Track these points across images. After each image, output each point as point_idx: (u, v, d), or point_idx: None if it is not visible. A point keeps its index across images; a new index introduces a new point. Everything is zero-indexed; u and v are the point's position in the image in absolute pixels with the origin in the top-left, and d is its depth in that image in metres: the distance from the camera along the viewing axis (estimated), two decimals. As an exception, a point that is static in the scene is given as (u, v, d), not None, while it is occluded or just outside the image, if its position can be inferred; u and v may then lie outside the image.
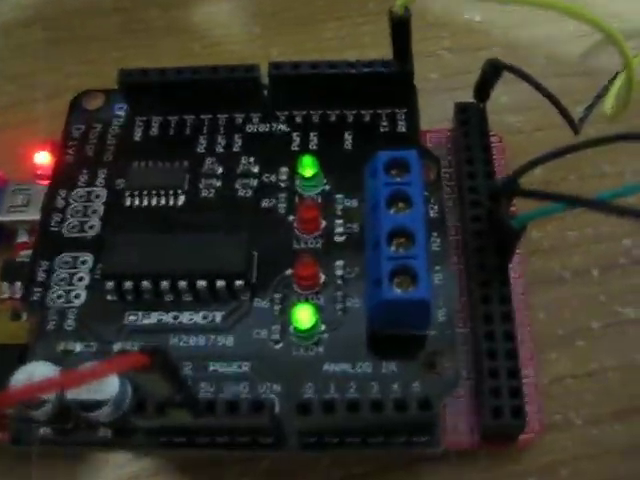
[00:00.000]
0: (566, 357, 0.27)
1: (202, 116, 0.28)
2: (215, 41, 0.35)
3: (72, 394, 0.21)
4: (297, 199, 0.26)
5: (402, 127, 0.27)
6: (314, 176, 0.26)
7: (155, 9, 0.37)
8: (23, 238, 0.29)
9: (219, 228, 0.25)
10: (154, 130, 0.28)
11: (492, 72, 0.26)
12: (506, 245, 0.25)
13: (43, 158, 0.30)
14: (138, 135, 0.28)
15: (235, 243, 0.24)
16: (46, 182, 0.29)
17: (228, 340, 0.23)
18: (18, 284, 0.28)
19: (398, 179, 0.23)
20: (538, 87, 0.26)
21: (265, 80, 0.27)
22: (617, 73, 0.30)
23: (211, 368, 0.23)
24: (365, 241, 0.24)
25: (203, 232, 0.25)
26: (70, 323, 0.24)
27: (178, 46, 0.35)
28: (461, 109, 0.28)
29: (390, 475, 0.25)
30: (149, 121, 0.28)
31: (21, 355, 0.24)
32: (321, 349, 0.23)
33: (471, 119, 0.28)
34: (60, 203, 0.27)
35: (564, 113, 0.26)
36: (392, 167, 0.24)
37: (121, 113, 0.28)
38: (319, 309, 0.23)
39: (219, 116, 0.28)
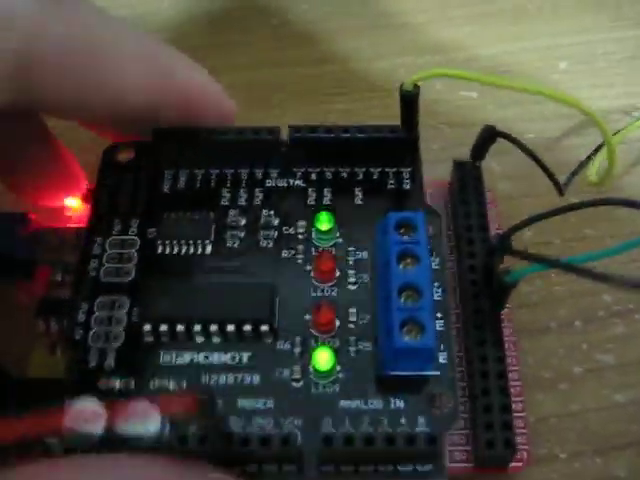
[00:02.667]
0: (551, 398, 0.30)
1: (225, 171, 0.31)
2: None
3: (120, 430, 0.24)
4: (313, 250, 0.29)
5: (407, 185, 0.30)
6: (329, 230, 0.28)
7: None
8: (56, 277, 0.31)
9: (244, 276, 0.28)
10: (182, 183, 0.30)
11: (488, 136, 0.29)
12: (498, 297, 0.28)
13: (73, 203, 0.33)
14: (167, 187, 0.30)
15: (260, 291, 0.27)
16: (75, 224, 0.32)
17: (254, 379, 0.26)
18: (53, 321, 0.30)
19: (406, 237, 0.26)
20: (527, 151, 0.29)
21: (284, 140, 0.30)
22: (599, 145, 0.33)
23: (239, 404, 0.26)
24: (376, 291, 0.27)
25: (229, 279, 0.28)
26: (110, 362, 0.27)
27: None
28: (458, 166, 0.32)
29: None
30: (177, 174, 0.31)
31: (62, 390, 0.26)
32: (337, 387, 0.26)
33: (467, 175, 0.31)
34: (97, 250, 0.29)
35: (551, 176, 0.29)
36: (401, 226, 0.27)
37: (150, 166, 0.31)
38: (335, 351, 0.26)
39: (241, 171, 0.31)
